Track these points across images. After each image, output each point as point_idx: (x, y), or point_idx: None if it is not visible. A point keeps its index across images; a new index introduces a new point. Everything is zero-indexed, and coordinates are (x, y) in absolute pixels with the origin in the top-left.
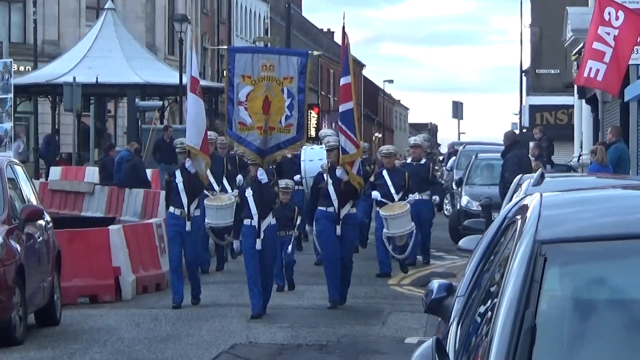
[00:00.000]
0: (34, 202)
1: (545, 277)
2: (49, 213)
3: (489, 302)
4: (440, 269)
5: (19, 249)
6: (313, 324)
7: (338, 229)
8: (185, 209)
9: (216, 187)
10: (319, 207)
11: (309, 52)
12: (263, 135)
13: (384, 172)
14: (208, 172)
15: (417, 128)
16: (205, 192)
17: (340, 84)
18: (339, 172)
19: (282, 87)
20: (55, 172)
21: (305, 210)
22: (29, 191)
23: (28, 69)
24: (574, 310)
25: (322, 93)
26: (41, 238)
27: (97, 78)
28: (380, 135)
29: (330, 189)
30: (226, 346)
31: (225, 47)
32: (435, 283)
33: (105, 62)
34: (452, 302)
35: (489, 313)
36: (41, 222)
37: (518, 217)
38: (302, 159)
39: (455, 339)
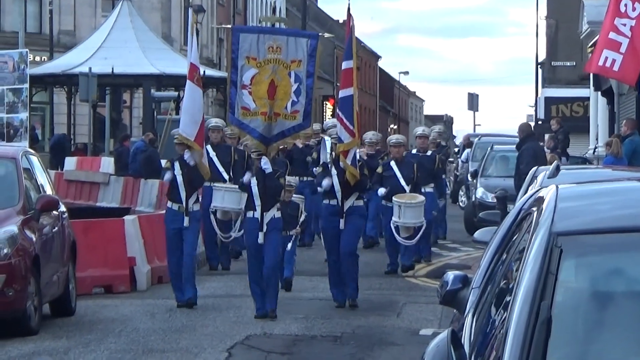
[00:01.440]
0: (50, 192)
1: (561, 269)
2: (64, 203)
3: (505, 294)
4: (455, 261)
5: (34, 239)
6: (327, 315)
7: (342, 222)
8: (184, 203)
9: (225, 176)
10: (322, 201)
11: (320, 34)
12: (267, 121)
13: (392, 164)
14: (217, 161)
15: (433, 120)
16: (213, 183)
17: (342, 68)
18: (342, 163)
19: (290, 71)
20: (71, 162)
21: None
22: (44, 181)
23: (44, 59)
24: (590, 302)
25: (338, 84)
26: (56, 228)
27: (112, 68)
28: (395, 127)
29: (335, 181)
30: (241, 337)
31: (229, 26)
32: (450, 275)
33: (121, 53)
34: (467, 293)
35: (505, 305)
36: (56, 212)
37: (534, 209)
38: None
39: (471, 330)
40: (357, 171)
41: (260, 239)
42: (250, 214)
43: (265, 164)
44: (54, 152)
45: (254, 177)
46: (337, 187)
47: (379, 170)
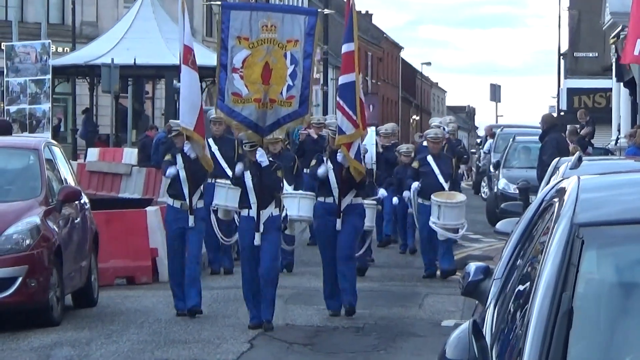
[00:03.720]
0: (72, 183)
1: (583, 260)
2: (87, 194)
3: (526, 285)
4: (477, 252)
5: (56, 230)
6: None
7: (338, 222)
8: (187, 200)
9: (229, 172)
10: (317, 199)
11: (319, 10)
12: (262, 109)
13: (429, 158)
14: (220, 156)
15: (455, 110)
16: (217, 180)
17: (342, 52)
18: (340, 156)
19: (285, 52)
20: (93, 153)
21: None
22: (66, 172)
23: (66, 50)
24: (611, 293)
25: (360, 75)
26: (78, 219)
27: (135, 59)
28: (417, 118)
29: (331, 176)
30: (263, 328)
31: (218, 3)
32: (472, 266)
33: (143, 44)
34: (489, 285)
35: (526, 296)
36: (78, 203)
37: (555, 200)
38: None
39: (492, 322)
40: (362, 166)
41: (257, 241)
42: (245, 212)
43: (261, 157)
44: (84, 137)
45: (248, 171)
46: (333, 183)
47: (415, 165)
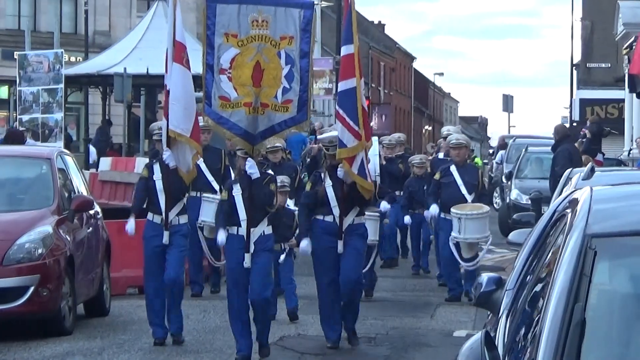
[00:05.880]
0: (84, 193)
1: (595, 271)
2: (99, 203)
3: (539, 295)
4: (489, 263)
5: (68, 239)
6: (362, 316)
7: (340, 244)
8: (163, 214)
9: (215, 186)
10: (315, 217)
11: (316, 3)
12: (252, 114)
13: (452, 168)
14: (205, 168)
15: (468, 121)
16: (203, 194)
17: (341, 55)
18: (340, 172)
19: (279, 50)
20: (105, 162)
21: (299, 220)
22: (79, 181)
23: (79, 59)
24: (624, 304)
25: (372, 85)
26: (91, 228)
27: (147, 69)
28: (430, 128)
29: (330, 192)
30: (275, 338)
31: None
32: (484, 276)
33: (156, 53)
34: (501, 295)
35: (538, 307)
36: (91, 212)
37: (568, 210)
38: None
39: (505, 332)
40: (367, 182)
41: (247, 263)
42: (233, 230)
43: (251, 168)
44: (96, 146)
45: (238, 184)
46: (332, 201)
47: (437, 176)
